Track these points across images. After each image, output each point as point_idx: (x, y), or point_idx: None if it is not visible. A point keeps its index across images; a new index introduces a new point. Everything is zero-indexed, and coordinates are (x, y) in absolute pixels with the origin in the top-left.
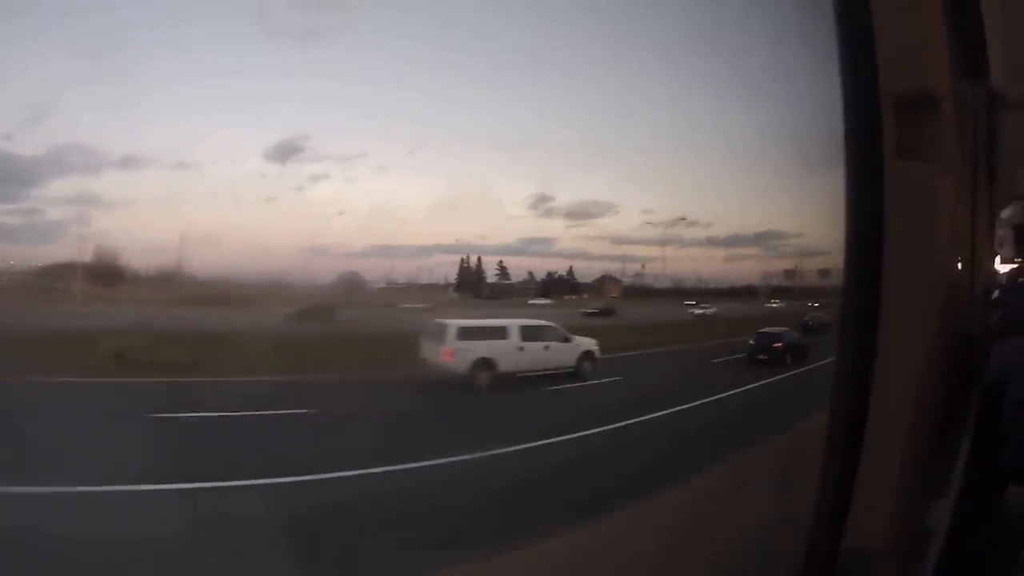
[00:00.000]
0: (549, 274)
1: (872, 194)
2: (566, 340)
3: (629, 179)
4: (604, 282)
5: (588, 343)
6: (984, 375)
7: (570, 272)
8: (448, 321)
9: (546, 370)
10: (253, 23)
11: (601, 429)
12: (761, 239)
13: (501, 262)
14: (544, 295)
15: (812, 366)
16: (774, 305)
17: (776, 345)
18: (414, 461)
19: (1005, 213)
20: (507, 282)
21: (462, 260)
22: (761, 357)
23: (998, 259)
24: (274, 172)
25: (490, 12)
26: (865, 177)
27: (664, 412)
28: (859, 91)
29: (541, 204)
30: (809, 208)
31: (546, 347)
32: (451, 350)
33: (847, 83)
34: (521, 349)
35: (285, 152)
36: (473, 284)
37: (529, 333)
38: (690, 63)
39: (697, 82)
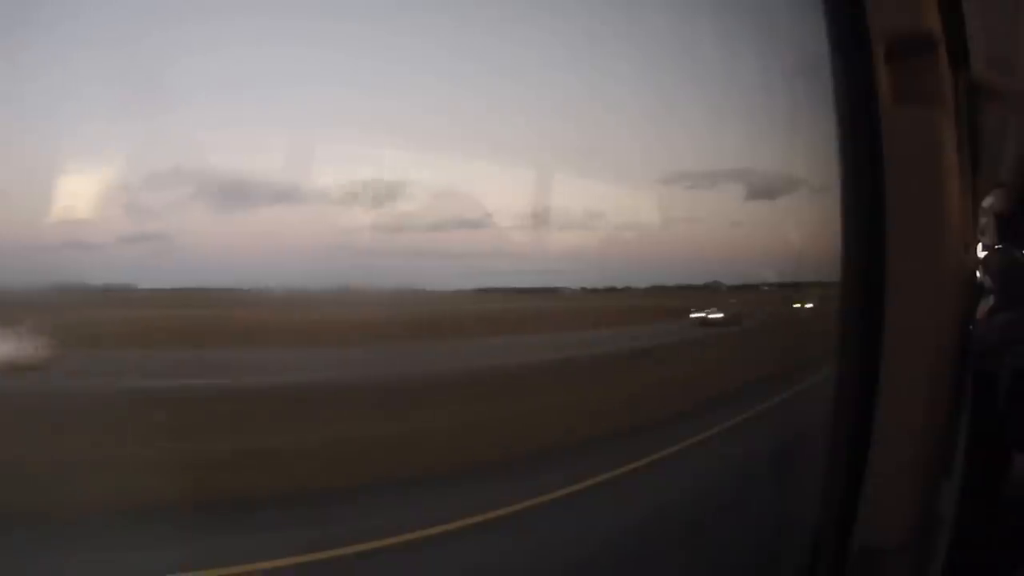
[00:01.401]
0: None
1: (868, 143)
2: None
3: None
4: None
5: None
6: (977, 353)
7: None
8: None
9: None
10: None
11: None
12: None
13: None
14: None
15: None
16: None
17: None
18: None
19: (987, 202)
20: None
21: None
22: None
23: (980, 247)
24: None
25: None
26: (860, 125)
27: None
28: (848, 32)
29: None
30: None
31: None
32: None
33: (834, 24)
34: None
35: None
36: None
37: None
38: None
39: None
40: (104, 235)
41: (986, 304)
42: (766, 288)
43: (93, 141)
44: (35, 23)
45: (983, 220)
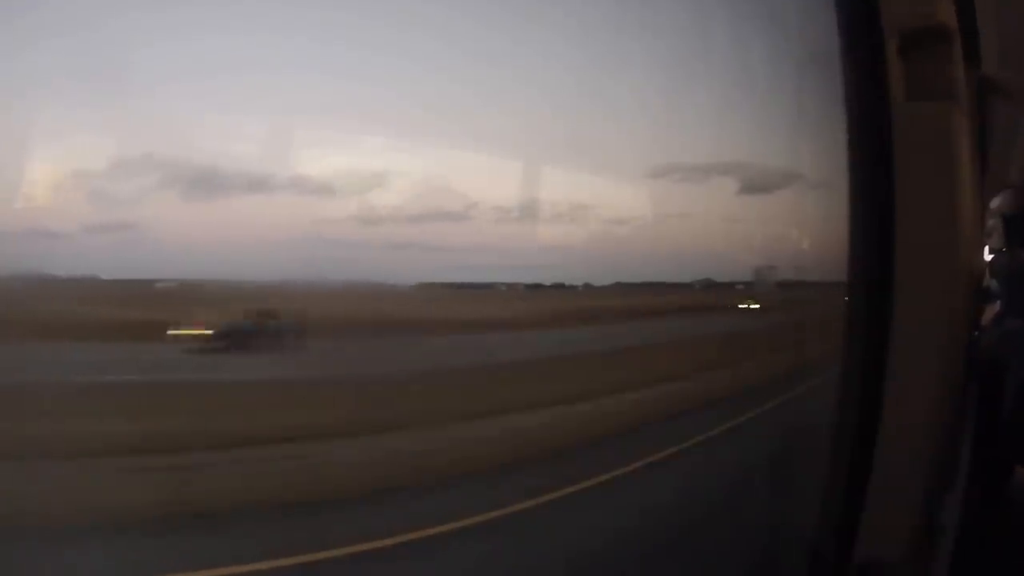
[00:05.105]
0: None
1: (879, 138)
2: None
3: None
4: None
5: None
6: (982, 360)
7: None
8: None
9: None
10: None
11: None
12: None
13: None
14: None
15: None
16: None
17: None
18: None
19: (994, 202)
20: None
21: None
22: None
23: (986, 249)
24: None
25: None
26: (870, 120)
27: None
28: (860, 25)
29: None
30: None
31: None
32: None
33: (845, 17)
34: None
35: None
36: None
37: None
38: None
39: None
40: (69, 223)
41: (992, 310)
42: (738, 287)
43: (60, 128)
44: (3, 8)
45: (990, 221)
